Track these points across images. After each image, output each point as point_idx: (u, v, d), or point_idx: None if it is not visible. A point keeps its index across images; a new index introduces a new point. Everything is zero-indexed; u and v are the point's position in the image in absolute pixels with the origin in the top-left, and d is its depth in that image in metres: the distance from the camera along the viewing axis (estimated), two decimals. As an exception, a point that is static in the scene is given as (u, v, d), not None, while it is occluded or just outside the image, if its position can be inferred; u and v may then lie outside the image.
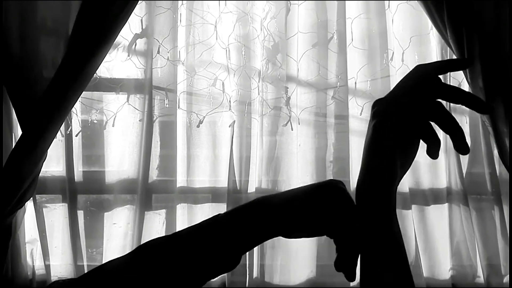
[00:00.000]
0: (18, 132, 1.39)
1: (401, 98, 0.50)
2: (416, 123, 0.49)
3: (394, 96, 0.51)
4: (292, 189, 0.53)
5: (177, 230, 1.58)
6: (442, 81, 0.49)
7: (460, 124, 0.48)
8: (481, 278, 1.50)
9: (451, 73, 1.51)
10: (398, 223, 0.51)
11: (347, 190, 0.53)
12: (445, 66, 0.51)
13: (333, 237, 0.52)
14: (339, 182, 0.53)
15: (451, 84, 1.49)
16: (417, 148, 0.52)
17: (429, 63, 0.51)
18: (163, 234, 1.51)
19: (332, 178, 0.54)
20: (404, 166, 0.53)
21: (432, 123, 0.50)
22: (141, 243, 0.49)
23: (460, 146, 0.48)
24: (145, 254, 0.48)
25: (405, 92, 0.50)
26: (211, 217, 0.51)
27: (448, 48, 1.43)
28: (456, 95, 0.48)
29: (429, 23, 1.46)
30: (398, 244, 0.49)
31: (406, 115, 0.49)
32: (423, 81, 0.49)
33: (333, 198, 0.50)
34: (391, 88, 1.53)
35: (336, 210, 0.50)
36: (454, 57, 1.41)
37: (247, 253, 1.48)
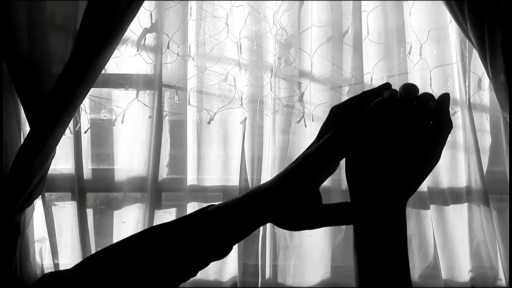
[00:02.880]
0: (26, 129, 1.37)
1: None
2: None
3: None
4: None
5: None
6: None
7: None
8: (502, 281, 1.44)
9: (472, 68, 1.46)
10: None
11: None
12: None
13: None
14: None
15: (471, 79, 1.45)
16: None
17: None
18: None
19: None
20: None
21: None
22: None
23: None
24: (148, 238, 0.48)
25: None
26: (211, 206, 0.50)
27: (468, 41, 1.38)
28: None
29: (448, 15, 1.41)
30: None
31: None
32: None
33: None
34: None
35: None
36: (475, 51, 1.36)
37: (259, 253, 1.45)
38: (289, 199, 0.46)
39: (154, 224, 1.46)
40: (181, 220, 0.49)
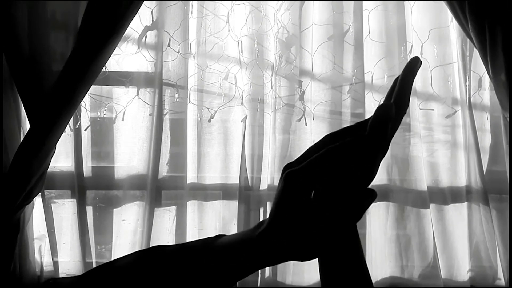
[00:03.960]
0: (26, 126, 1.37)
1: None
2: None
3: None
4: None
5: (187, 227, 1.54)
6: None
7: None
8: (502, 281, 1.44)
9: (472, 67, 1.46)
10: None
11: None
12: None
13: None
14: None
15: (471, 78, 1.45)
16: None
17: None
18: (173, 232, 1.49)
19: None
20: None
21: None
22: (150, 245, 0.46)
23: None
24: (151, 262, 0.47)
25: None
26: (220, 237, 0.47)
27: (469, 40, 1.38)
28: None
29: (449, 15, 1.41)
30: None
31: None
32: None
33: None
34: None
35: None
36: (475, 50, 1.36)
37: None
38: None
39: (153, 223, 1.46)
40: (188, 247, 0.47)
